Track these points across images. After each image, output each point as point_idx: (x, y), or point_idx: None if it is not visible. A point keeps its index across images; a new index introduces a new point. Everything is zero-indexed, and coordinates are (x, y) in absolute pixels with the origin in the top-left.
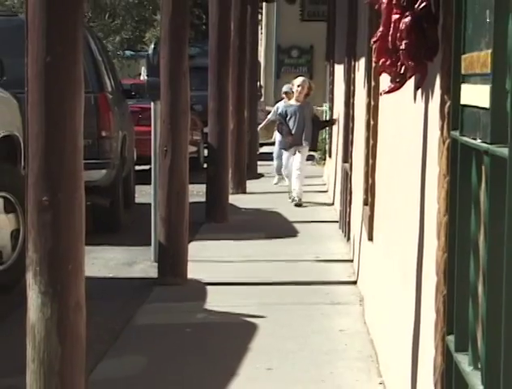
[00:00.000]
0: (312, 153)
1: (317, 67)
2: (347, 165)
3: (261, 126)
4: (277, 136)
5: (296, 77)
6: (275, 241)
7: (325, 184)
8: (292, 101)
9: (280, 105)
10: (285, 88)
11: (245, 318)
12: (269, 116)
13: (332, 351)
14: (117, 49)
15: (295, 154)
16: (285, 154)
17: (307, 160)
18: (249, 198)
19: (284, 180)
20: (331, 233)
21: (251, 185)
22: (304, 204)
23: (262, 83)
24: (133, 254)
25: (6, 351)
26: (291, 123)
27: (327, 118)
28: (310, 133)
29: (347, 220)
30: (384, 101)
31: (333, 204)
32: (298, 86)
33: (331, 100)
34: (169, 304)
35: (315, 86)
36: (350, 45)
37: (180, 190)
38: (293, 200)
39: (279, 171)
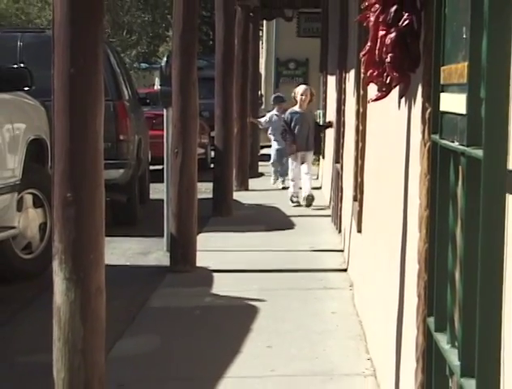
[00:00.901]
0: None
1: (312, 78)
2: (338, 166)
3: (253, 120)
4: (274, 144)
5: (298, 85)
6: (274, 233)
7: (320, 186)
8: (297, 108)
9: (272, 112)
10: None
11: (247, 301)
12: (262, 119)
13: (325, 331)
14: (133, 61)
15: (302, 162)
16: (290, 160)
17: None
18: (251, 195)
19: (279, 180)
20: (325, 226)
21: (253, 183)
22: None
23: (262, 92)
24: (148, 245)
25: (35, 330)
26: (296, 129)
27: (321, 122)
28: (313, 138)
29: (339, 214)
30: (371, 108)
31: (329, 207)
32: (302, 95)
33: (324, 108)
34: (180, 289)
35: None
36: (341, 58)
37: (189, 188)
38: (305, 199)
39: (275, 173)
